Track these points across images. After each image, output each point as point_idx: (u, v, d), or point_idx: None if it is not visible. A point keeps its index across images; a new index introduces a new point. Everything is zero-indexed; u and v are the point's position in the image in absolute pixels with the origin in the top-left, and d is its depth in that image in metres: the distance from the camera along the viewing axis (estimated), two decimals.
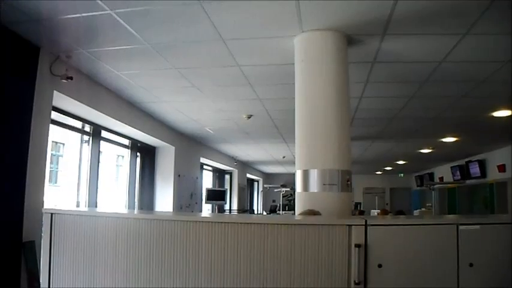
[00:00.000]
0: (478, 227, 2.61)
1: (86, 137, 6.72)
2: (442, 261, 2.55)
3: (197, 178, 11.10)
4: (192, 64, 5.04)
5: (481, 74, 5.33)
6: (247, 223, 2.60)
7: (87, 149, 6.71)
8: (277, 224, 2.55)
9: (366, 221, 2.47)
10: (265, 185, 18.93)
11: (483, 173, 13.44)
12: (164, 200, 9.14)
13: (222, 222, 2.62)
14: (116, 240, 2.79)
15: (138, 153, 8.76)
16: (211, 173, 14.13)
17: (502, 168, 12.16)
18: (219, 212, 13.02)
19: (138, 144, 8.61)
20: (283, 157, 13.79)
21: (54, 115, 5.29)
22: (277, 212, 14.56)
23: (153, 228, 2.73)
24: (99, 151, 6.95)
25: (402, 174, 22.40)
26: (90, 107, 5.66)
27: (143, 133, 7.74)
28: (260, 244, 2.52)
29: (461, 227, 2.56)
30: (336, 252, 2.46)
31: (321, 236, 2.46)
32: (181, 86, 5.85)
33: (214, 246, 2.58)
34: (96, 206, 6.65)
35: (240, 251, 2.54)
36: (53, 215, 2.97)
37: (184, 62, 4.98)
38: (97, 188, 6.78)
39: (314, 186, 3.64)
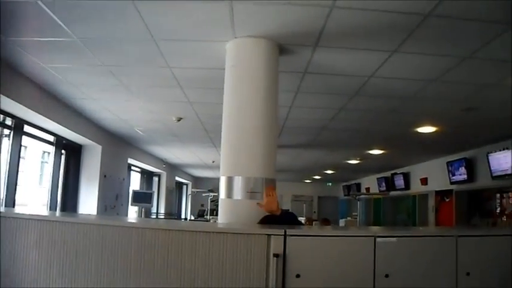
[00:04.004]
0: (394, 239, 2.67)
1: (6, 131, 6.37)
2: (360, 272, 2.59)
3: (124, 179, 10.82)
4: (122, 62, 4.89)
5: (408, 91, 5.52)
6: (165, 229, 2.53)
7: (7, 143, 6.37)
8: (195, 231, 2.50)
9: (285, 231, 2.47)
10: (193, 189, 18.77)
11: (407, 185, 13.99)
12: (88, 201, 8.82)
13: (137, 228, 2.54)
14: (37, 244, 2.65)
15: (63, 151, 8.41)
16: (139, 175, 13.83)
17: (424, 181, 12.70)
18: (145, 215, 12.76)
19: (64, 142, 8.26)
20: (213, 161, 13.72)
21: None
22: (205, 216, 14.46)
23: (72, 232, 2.60)
24: (20, 146, 6.62)
25: (330, 184, 22.91)
26: (11, 99, 5.35)
27: (69, 130, 7.43)
28: (178, 250, 2.46)
29: (378, 239, 2.61)
30: (254, 261, 2.44)
31: (239, 245, 2.44)
32: (111, 84, 5.67)
33: (130, 251, 2.49)
34: (13, 206, 6.31)
35: (156, 256, 2.47)
36: None
37: (114, 60, 4.82)
38: (16, 185, 6.45)
39: (238, 193, 3.60)
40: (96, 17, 3.75)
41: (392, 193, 14.76)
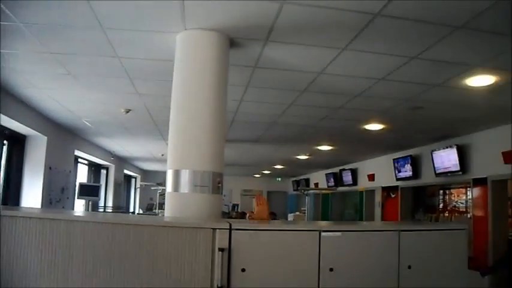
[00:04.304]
0: (339, 233, 2.71)
1: None
2: (304, 266, 2.62)
3: (70, 172, 10.53)
4: (69, 50, 4.72)
5: (356, 88, 5.62)
6: (110, 223, 2.47)
7: None
8: (140, 225, 2.46)
9: (230, 225, 2.46)
10: (141, 183, 18.49)
11: (354, 181, 14.27)
12: (32, 194, 8.51)
13: (80, 221, 2.47)
14: None
15: (5, 141, 8.09)
16: (86, 167, 13.50)
17: (371, 177, 13.00)
18: (93, 208, 12.49)
19: (6, 132, 7.93)
20: (162, 155, 13.55)
21: None
22: (154, 210, 14.28)
23: (10, 226, 2.49)
24: None
25: (280, 179, 23.11)
26: None
27: (12, 120, 7.14)
28: (122, 245, 2.41)
29: (323, 234, 2.64)
30: (200, 255, 2.42)
31: (184, 239, 2.41)
32: (57, 72, 5.47)
33: (72, 245, 2.42)
34: None
35: (100, 251, 2.41)
36: None
37: (60, 48, 4.64)
38: None
39: (185, 187, 3.57)
40: (41, 2, 3.59)
41: (341, 188, 15.03)
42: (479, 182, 8.12)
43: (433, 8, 3.36)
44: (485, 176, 7.92)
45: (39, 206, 8.41)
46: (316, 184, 18.07)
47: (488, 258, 7.63)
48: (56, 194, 9.48)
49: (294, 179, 21.95)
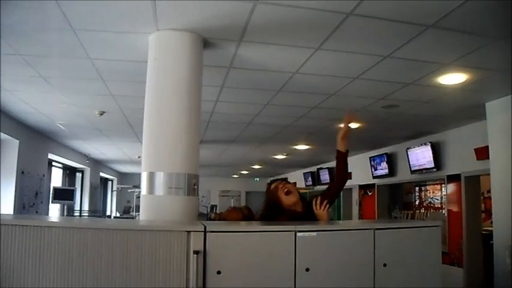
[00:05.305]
0: (314, 233, 2.70)
1: None
2: (280, 267, 2.60)
3: (44, 175, 10.36)
4: (39, 52, 4.62)
5: (331, 88, 5.64)
6: (80, 228, 2.42)
7: None
8: (113, 229, 2.41)
9: (205, 227, 2.43)
10: (118, 185, 18.29)
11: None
12: (4, 199, 8.34)
13: (49, 227, 2.41)
14: None
15: None
16: (61, 171, 13.30)
17: (348, 176, 13.00)
18: (68, 213, 12.32)
19: None
20: (138, 157, 13.42)
21: None
22: (131, 213, 14.14)
23: None
24: None
25: (258, 179, 23.10)
26: None
27: None
28: (94, 250, 2.36)
29: (298, 234, 2.63)
30: (174, 259, 2.39)
31: (159, 242, 2.38)
32: (27, 75, 5.36)
33: (42, 251, 2.37)
34: None
35: (72, 256, 2.36)
36: None
37: (30, 49, 4.54)
38: None
39: (160, 189, 3.53)
40: (9, 3, 3.50)
41: (318, 187, 15.08)
42: (453, 178, 8.23)
43: (404, 8, 3.39)
44: (458, 173, 8.04)
45: (11, 211, 8.26)
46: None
47: (462, 253, 7.74)
48: (29, 198, 9.32)
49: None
